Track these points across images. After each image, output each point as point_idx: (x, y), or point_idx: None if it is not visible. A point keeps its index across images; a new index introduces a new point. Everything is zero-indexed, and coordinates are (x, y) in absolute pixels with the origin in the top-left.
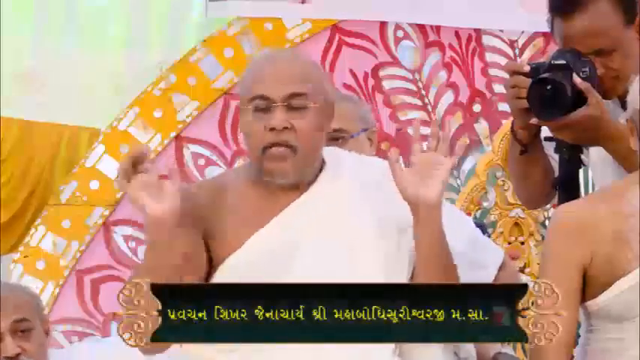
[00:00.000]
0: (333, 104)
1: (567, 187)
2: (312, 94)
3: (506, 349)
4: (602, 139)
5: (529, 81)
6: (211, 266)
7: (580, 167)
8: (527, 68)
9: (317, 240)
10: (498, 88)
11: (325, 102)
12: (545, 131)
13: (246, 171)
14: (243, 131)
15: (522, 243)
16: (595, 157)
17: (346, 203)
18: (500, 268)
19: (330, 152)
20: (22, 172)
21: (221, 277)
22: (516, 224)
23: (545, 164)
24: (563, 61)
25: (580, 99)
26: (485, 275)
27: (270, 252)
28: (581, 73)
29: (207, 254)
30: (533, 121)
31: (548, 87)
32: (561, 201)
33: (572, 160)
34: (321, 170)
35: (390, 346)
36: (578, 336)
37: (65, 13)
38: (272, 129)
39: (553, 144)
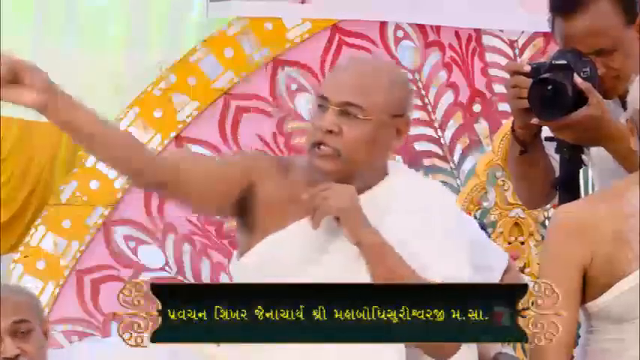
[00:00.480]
0: (407, 123)
1: (568, 188)
2: (369, 109)
3: (507, 349)
4: (603, 139)
5: (530, 81)
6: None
7: (581, 167)
8: (527, 68)
9: (344, 246)
10: (498, 88)
11: (394, 119)
12: (545, 131)
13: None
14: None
15: (522, 243)
16: (596, 156)
17: (386, 219)
18: (505, 272)
19: (396, 167)
20: (22, 171)
21: (264, 248)
22: (516, 224)
23: (545, 164)
24: (564, 61)
25: (581, 99)
26: (491, 278)
27: (302, 245)
28: (582, 74)
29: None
30: (534, 121)
31: (549, 87)
32: (562, 201)
33: (572, 160)
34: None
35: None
36: (579, 336)
37: (65, 13)
38: (320, 128)
39: (554, 144)
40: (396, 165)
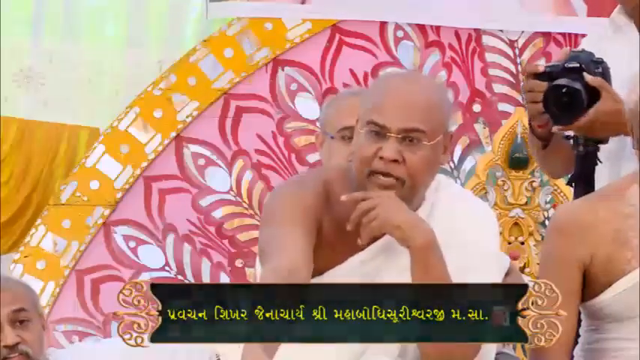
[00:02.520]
0: (451, 138)
1: (583, 184)
2: (430, 132)
3: (507, 349)
4: (624, 129)
5: (545, 85)
6: None
7: (596, 164)
8: (541, 69)
9: (390, 277)
10: (498, 88)
11: (443, 137)
12: None
13: (346, 182)
14: (354, 148)
15: (522, 243)
16: (610, 148)
17: None
18: (507, 274)
19: (438, 185)
20: (22, 171)
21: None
22: (516, 224)
23: (567, 151)
24: (576, 64)
25: (595, 99)
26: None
27: (356, 275)
28: (594, 75)
29: None
30: (555, 129)
31: (564, 90)
32: (577, 197)
33: (588, 157)
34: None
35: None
36: (579, 336)
37: (65, 13)
38: (382, 157)
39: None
40: (436, 182)
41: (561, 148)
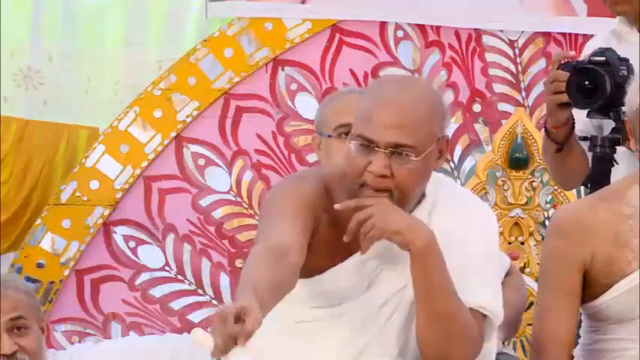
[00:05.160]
0: (447, 142)
1: (599, 186)
2: (419, 146)
3: (507, 349)
4: None
5: (568, 75)
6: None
7: (612, 165)
8: (572, 53)
9: (391, 276)
10: (498, 88)
11: (437, 143)
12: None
13: (344, 181)
14: (346, 158)
15: (522, 243)
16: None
17: None
18: (507, 274)
19: (436, 184)
20: (22, 171)
21: (312, 284)
22: (516, 224)
23: (579, 153)
24: (603, 58)
25: (618, 92)
26: None
27: (352, 283)
28: (619, 71)
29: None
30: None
31: (588, 74)
32: None
33: (604, 158)
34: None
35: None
36: (579, 336)
37: (64, 12)
38: (371, 172)
39: (587, 143)
40: (436, 181)
41: (576, 152)
